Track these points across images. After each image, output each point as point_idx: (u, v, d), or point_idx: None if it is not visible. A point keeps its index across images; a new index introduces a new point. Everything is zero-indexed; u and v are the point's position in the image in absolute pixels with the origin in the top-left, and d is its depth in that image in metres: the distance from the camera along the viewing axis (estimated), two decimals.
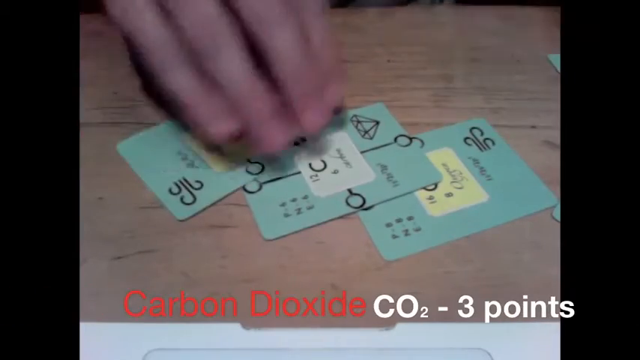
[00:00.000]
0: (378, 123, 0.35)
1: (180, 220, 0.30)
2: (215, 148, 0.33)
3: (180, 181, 0.32)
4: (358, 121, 0.35)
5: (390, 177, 0.32)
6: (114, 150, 0.34)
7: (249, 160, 0.33)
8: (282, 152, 0.32)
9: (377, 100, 0.37)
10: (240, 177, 0.32)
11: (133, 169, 0.33)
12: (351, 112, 0.36)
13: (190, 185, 0.32)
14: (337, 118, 0.35)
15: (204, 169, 0.33)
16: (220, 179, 0.32)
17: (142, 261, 0.29)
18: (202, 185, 0.32)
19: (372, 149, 0.34)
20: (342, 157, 0.33)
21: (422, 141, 0.34)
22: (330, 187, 0.32)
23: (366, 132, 0.35)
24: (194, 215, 0.31)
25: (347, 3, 0.48)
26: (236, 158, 0.33)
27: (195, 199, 0.31)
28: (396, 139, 0.34)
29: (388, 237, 0.30)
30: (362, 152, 0.34)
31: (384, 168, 0.33)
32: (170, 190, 0.32)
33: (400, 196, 0.31)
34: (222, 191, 0.32)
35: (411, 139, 0.34)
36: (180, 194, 0.31)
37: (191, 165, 0.33)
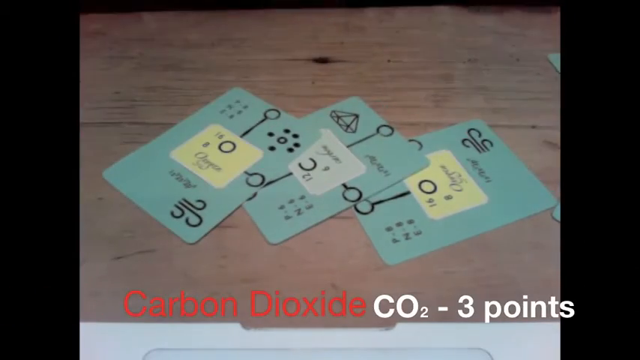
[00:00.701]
0: (357, 116, 0.35)
1: (191, 244, 0.30)
2: (209, 163, 0.33)
3: (181, 203, 0.31)
4: (338, 117, 0.35)
5: (380, 167, 0.33)
6: (114, 150, 0.34)
7: (247, 172, 0.33)
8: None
9: (377, 100, 0.37)
10: (242, 191, 0.32)
11: (126, 196, 0.31)
12: (329, 109, 0.36)
13: (192, 206, 0.31)
14: (317, 115, 0.35)
15: (203, 187, 0.32)
16: (223, 196, 0.32)
17: (142, 261, 0.29)
18: (205, 205, 0.31)
19: (358, 142, 0.34)
20: (329, 153, 0.33)
21: (420, 143, 0.34)
22: (325, 184, 0.32)
23: (348, 126, 0.35)
24: (204, 237, 0.30)
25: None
26: (233, 171, 0.33)
27: (201, 219, 0.30)
28: (378, 130, 0.35)
29: (389, 241, 0.30)
30: (348, 146, 0.34)
31: (372, 159, 0.33)
32: (172, 214, 0.31)
33: (393, 184, 0.32)
34: (228, 208, 0.31)
35: (392, 128, 0.35)
36: (185, 216, 0.30)
37: (188, 184, 0.32)
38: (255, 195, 0.32)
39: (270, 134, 0.35)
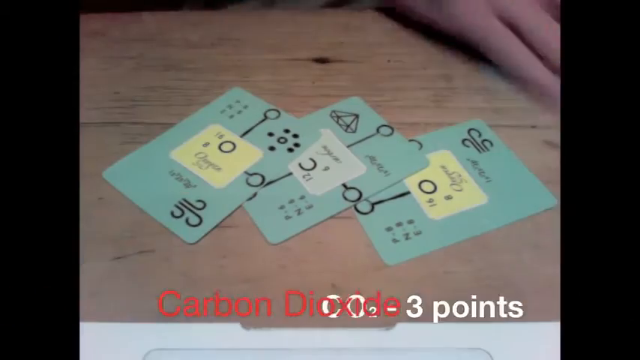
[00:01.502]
0: (357, 116, 0.35)
1: (191, 244, 0.30)
2: (209, 163, 0.33)
3: (181, 203, 0.31)
4: (338, 116, 0.35)
5: (380, 167, 0.33)
6: (114, 150, 0.34)
7: (247, 172, 0.33)
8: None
9: (377, 100, 0.37)
10: (242, 191, 0.32)
11: (126, 195, 0.31)
12: (329, 109, 0.36)
13: (192, 206, 0.31)
14: (317, 115, 0.36)
15: (203, 187, 0.32)
16: (223, 196, 0.31)
17: (142, 261, 0.29)
18: (205, 205, 0.31)
19: (358, 142, 0.34)
20: (329, 153, 0.33)
21: (420, 143, 0.34)
22: (325, 185, 0.32)
23: (348, 126, 0.35)
24: (204, 237, 0.30)
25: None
26: (233, 172, 0.33)
27: (201, 219, 0.30)
28: (378, 130, 0.35)
29: (389, 241, 0.30)
30: (348, 146, 0.34)
31: (372, 159, 0.33)
32: (172, 214, 0.31)
33: (393, 184, 0.32)
34: (228, 208, 0.31)
35: (392, 128, 0.35)
36: (185, 216, 0.30)
37: (188, 184, 0.32)
38: (255, 195, 0.32)
39: (270, 134, 0.35)
